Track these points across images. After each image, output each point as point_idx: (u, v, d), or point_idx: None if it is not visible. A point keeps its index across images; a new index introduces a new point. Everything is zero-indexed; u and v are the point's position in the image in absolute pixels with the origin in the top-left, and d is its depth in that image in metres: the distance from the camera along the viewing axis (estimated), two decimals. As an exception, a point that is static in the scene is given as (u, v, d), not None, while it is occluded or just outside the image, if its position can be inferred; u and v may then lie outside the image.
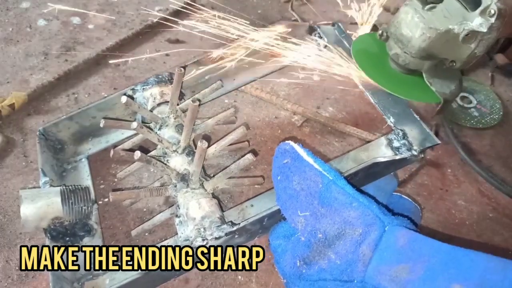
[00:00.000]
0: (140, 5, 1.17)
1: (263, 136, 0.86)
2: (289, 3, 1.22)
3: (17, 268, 0.65)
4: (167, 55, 1.03)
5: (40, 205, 0.59)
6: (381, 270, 0.47)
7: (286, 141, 0.56)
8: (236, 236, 0.58)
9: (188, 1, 1.16)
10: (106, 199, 0.74)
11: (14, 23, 1.08)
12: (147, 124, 0.70)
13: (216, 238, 0.56)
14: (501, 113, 0.95)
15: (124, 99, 0.62)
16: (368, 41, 0.72)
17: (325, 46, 0.77)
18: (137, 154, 0.57)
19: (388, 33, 0.65)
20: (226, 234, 0.56)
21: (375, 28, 0.72)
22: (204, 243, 0.55)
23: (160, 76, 0.74)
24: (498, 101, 0.97)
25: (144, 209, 0.73)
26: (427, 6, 0.60)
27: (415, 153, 0.61)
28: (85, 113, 0.72)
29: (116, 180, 0.76)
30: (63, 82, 0.93)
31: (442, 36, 0.59)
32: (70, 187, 0.63)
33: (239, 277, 0.66)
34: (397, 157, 0.60)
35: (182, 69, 0.68)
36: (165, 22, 1.11)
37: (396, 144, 0.62)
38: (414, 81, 0.67)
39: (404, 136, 0.62)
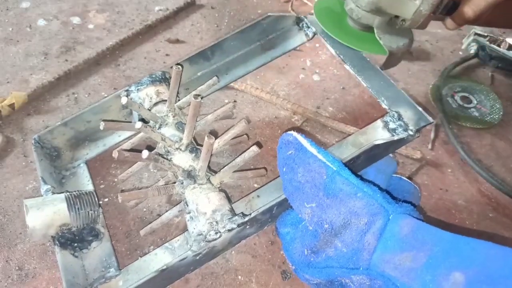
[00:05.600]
0: (140, 5, 1.17)
1: (263, 136, 0.86)
2: (289, 3, 1.22)
3: (17, 268, 0.65)
4: (167, 55, 1.03)
5: (47, 213, 0.59)
6: (385, 259, 0.48)
7: (289, 132, 0.56)
8: (247, 227, 0.58)
9: (188, 1, 1.17)
10: (106, 199, 0.74)
11: (14, 23, 1.08)
12: (147, 124, 0.70)
13: (228, 230, 0.56)
14: (501, 113, 0.95)
15: (124, 100, 0.62)
16: (332, 1, 0.77)
17: (314, 35, 0.78)
18: (145, 153, 0.56)
19: None
20: (238, 226, 0.56)
21: None
22: (218, 236, 0.56)
23: (153, 76, 0.74)
24: (498, 101, 0.97)
25: (144, 209, 0.73)
26: None
27: (411, 133, 0.62)
28: (80, 118, 0.72)
29: (116, 180, 0.76)
30: (63, 82, 0.93)
31: None
32: (75, 192, 0.63)
33: (239, 277, 0.66)
34: (395, 138, 0.62)
35: (179, 66, 0.68)
36: (165, 22, 1.11)
37: (392, 125, 0.63)
38: (368, 36, 0.72)
39: (399, 117, 0.63)
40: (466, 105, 0.95)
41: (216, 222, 0.57)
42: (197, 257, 0.56)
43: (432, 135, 0.88)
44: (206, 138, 0.57)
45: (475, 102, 0.96)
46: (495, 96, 0.98)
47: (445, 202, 0.78)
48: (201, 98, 0.62)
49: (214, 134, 0.85)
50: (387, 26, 0.69)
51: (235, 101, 0.92)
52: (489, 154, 0.87)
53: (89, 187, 0.71)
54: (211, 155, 0.61)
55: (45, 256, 0.66)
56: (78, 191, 0.64)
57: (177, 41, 1.07)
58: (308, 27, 0.79)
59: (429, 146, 0.87)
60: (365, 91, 0.96)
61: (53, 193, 0.64)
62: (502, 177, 0.82)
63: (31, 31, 1.06)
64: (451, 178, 0.82)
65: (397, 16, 0.67)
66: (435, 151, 0.86)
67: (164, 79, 0.75)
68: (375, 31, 0.68)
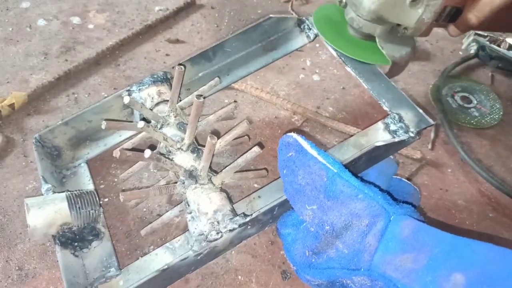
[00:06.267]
0: (140, 5, 1.17)
1: (263, 136, 0.86)
2: (289, 3, 1.22)
3: (17, 268, 0.65)
4: (167, 55, 1.03)
5: (48, 212, 0.59)
6: (386, 260, 0.48)
7: (289, 133, 0.56)
8: (248, 227, 0.58)
9: (188, 1, 1.17)
10: (106, 199, 0.74)
11: (14, 23, 1.08)
12: (149, 124, 0.70)
13: (230, 231, 0.56)
14: (501, 113, 0.95)
15: (127, 99, 0.62)
16: (331, 10, 0.76)
17: (316, 36, 0.79)
18: (148, 152, 0.56)
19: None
20: (240, 226, 0.56)
21: None
22: (219, 236, 0.56)
23: (155, 76, 0.74)
24: (498, 101, 0.97)
25: (144, 209, 0.73)
26: None
27: (412, 135, 0.62)
28: (81, 118, 0.72)
29: (116, 180, 0.76)
30: (63, 82, 0.93)
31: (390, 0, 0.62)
32: (76, 192, 0.63)
33: (239, 277, 0.66)
34: (396, 140, 0.62)
35: (182, 67, 0.68)
36: (165, 22, 1.11)
37: (393, 127, 0.64)
38: (370, 45, 0.71)
39: (400, 119, 0.64)
40: (466, 105, 0.95)
41: (218, 222, 0.57)
42: (198, 257, 0.57)
43: (432, 135, 0.88)
44: (208, 138, 0.58)
45: (475, 102, 0.96)
46: (495, 96, 0.98)
47: (445, 202, 0.78)
48: (204, 98, 0.62)
49: (215, 134, 0.85)
50: (388, 35, 0.68)
51: (235, 102, 0.92)
52: (489, 154, 0.87)
53: (90, 186, 0.70)
54: (213, 155, 0.62)
55: (45, 256, 0.66)
56: (79, 190, 0.64)
57: (177, 41, 1.07)
58: (310, 29, 0.79)
59: (429, 146, 0.87)
60: (365, 91, 0.96)
61: (54, 192, 0.64)
62: (502, 177, 0.82)
63: (31, 31, 1.06)
64: (451, 178, 0.82)
65: (399, 24, 0.66)
66: (435, 151, 0.86)
67: (166, 79, 0.75)
68: (377, 40, 0.68)
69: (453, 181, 0.81)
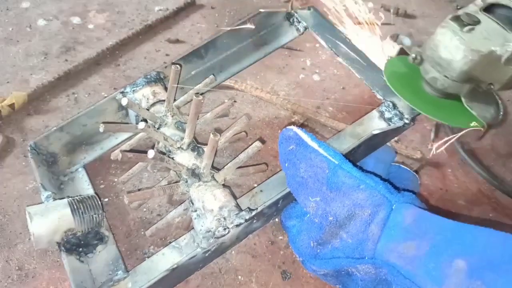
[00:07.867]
0: (140, 5, 1.17)
1: (263, 136, 0.86)
2: (289, 3, 1.22)
3: (17, 268, 0.65)
4: (167, 55, 1.03)
5: (51, 219, 0.59)
6: (389, 248, 0.49)
7: (289, 127, 0.57)
8: (254, 221, 0.59)
9: (188, 1, 1.17)
10: (106, 199, 0.74)
11: (14, 23, 1.08)
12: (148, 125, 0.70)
13: (236, 226, 0.57)
14: (501, 113, 0.94)
15: (125, 101, 0.62)
16: (398, 64, 0.69)
17: (305, 29, 0.80)
18: (151, 153, 0.56)
19: (422, 56, 0.62)
20: (246, 220, 0.57)
21: (402, 51, 0.69)
22: (226, 232, 0.56)
23: (148, 76, 0.74)
24: (498, 101, 0.97)
25: (144, 209, 0.73)
26: (465, 28, 0.57)
27: (407, 121, 0.63)
28: (76, 122, 0.71)
29: (116, 180, 0.76)
30: (63, 82, 0.93)
31: (484, 58, 0.57)
32: (77, 197, 0.63)
33: (239, 277, 0.66)
34: (392, 127, 0.63)
35: (178, 66, 0.68)
36: (165, 22, 1.11)
37: (387, 115, 0.65)
38: (452, 105, 0.65)
39: (394, 106, 0.65)
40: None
41: (224, 218, 0.57)
42: (206, 254, 0.57)
43: (432, 135, 0.88)
44: (211, 135, 0.58)
45: (475, 102, 0.96)
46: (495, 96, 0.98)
47: (445, 202, 0.78)
48: (203, 96, 0.63)
49: (221, 130, 0.85)
50: (472, 92, 0.62)
51: (234, 101, 0.92)
52: (489, 154, 0.87)
53: (89, 191, 0.70)
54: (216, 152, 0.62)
55: (45, 256, 0.66)
56: (80, 195, 0.64)
57: (177, 41, 1.07)
58: (299, 22, 0.79)
59: (429, 146, 0.86)
60: (365, 91, 0.96)
61: (54, 199, 0.64)
62: (502, 177, 0.82)
63: (31, 31, 1.06)
64: (451, 178, 0.82)
65: (484, 81, 0.61)
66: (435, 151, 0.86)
67: (159, 79, 0.75)
68: (463, 100, 0.62)
69: (453, 181, 0.81)
